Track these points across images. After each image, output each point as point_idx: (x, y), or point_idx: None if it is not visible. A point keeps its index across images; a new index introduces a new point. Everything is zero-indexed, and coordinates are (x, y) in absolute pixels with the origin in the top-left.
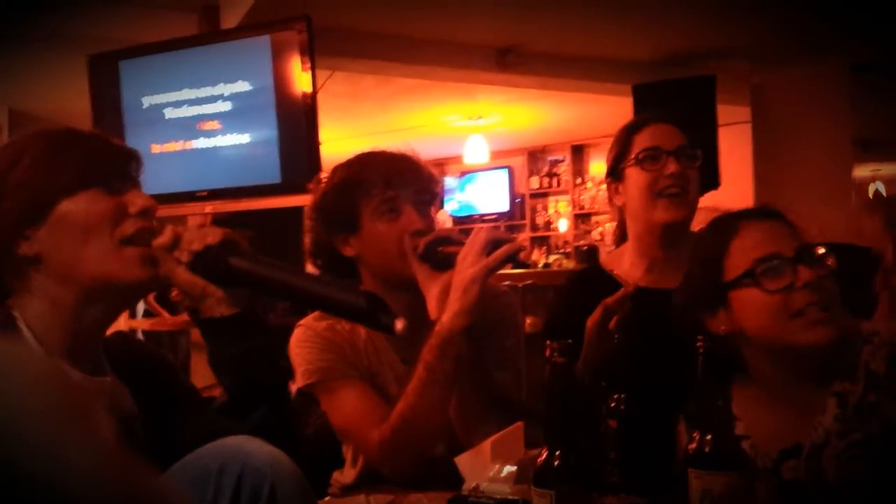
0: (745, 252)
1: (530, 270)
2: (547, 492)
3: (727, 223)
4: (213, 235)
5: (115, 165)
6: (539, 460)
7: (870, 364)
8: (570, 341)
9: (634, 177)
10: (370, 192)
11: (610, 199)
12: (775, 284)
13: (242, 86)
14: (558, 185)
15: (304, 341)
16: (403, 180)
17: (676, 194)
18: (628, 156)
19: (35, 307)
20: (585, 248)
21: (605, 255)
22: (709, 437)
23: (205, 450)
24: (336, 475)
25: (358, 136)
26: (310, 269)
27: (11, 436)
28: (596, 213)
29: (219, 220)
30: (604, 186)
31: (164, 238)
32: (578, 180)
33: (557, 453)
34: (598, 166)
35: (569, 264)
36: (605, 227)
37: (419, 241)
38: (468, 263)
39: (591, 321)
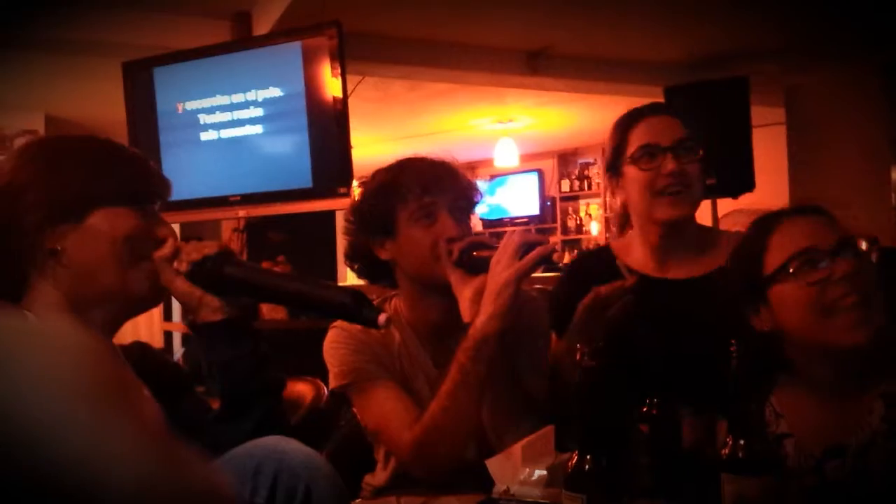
0: (783, 247)
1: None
2: (578, 496)
3: (768, 220)
4: (210, 247)
5: (151, 189)
6: (570, 464)
7: None
8: (601, 345)
9: (632, 175)
10: (407, 197)
11: (611, 193)
12: (811, 277)
13: (274, 91)
14: (589, 187)
15: (337, 342)
16: (441, 187)
17: (677, 192)
18: (625, 153)
19: (48, 294)
20: None
21: (613, 242)
22: (742, 441)
23: (242, 448)
24: (367, 478)
25: (388, 139)
26: (347, 271)
27: (54, 412)
28: None
29: (252, 223)
30: None
31: (164, 250)
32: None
33: (589, 457)
34: None
35: None
36: None
37: (453, 246)
38: (502, 267)
39: (582, 305)
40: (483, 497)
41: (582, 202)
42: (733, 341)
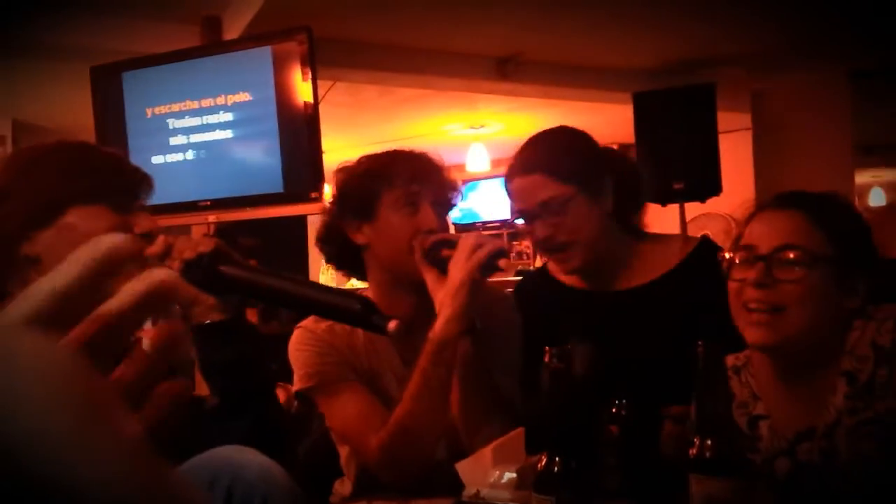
0: (745, 235)
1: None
2: (548, 498)
3: (761, 202)
4: (205, 244)
5: (127, 186)
6: (539, 466)
7: (876, 340)
8: (568, 346)
9: (519, 226)
10: (394, 182)
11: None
12: (738, 274)
13: (244, 96)
14: None
15: (302, 343)
16: (428, 179)
17: (559, 256)
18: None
19: None
20: None
21: (549, 263)
22: (709, 441)
23: (196, 460)
24: (337, 485)
25: (360, 145)
26: (319, 276)
27: (34, 435)
28: None
29: (222, 229)
30: None
31: (156, 247)
32: None
33: (558, 459)
34: None
35: None
36: None
37: (426, 240)
38: (457, 268)
39: None
40: (454, 500)
41: None
42: (700, 341)
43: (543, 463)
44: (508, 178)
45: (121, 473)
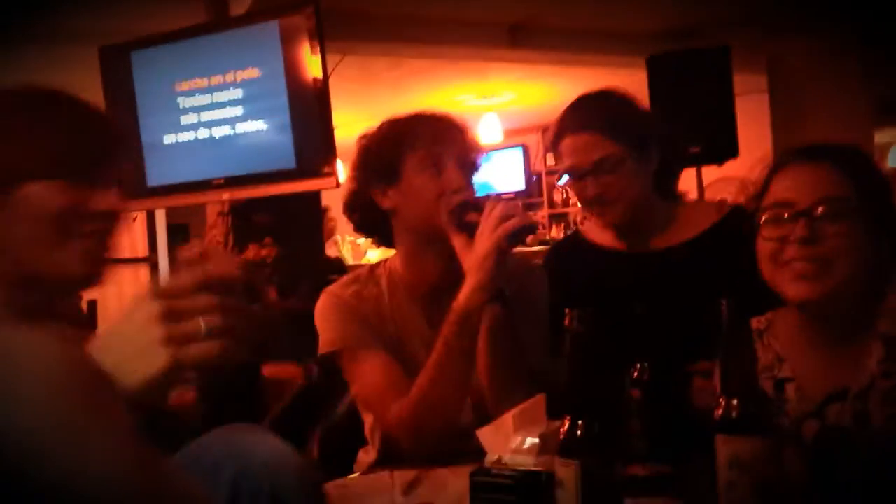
0: (773, 193)
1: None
2: (571, 462)
3: (782, 157)
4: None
5: (90, 152)
6: (562, 431)
7: None
8: (590, 309)
9: (568, 182)
10: (416, 144)
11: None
12: (772, 233)
13: (253, 72)
14: None
15: (328, 308)
16: (451, 139)
17: (604, 209)
18: (560, 161)
19: None
20: None
21: (580, 226)
22: (734, 401)
23: (201, 442)
24: (361, 454)
25: (371, 119)
26: (335, 250)
27: (33, 429)
28: None
29: (236, 206)
30: None
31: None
32: None
33: (580, 423)
34: None
35: None
36: None
37: (453, 199)
38: (484, 237)
39: None
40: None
41: None
42: (724, 299)
43: (566, 427)
44: (559, 136)
45: (119, 469)
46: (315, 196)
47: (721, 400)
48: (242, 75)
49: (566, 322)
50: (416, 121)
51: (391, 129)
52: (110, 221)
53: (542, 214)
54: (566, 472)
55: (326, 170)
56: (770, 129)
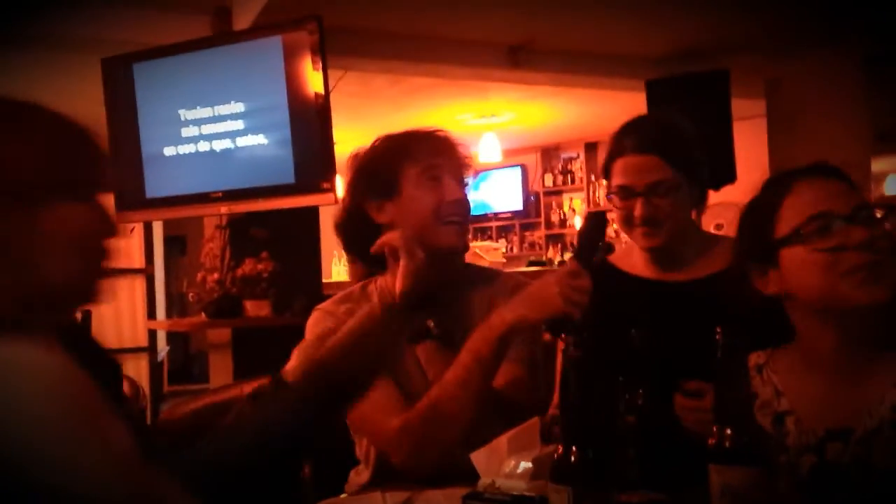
0: (798, 209)
1: (545, 268)
2: (564, 488)
3: (781, 181)
4: None
5: (93, 169)
6: (556, 455)
7: None
8: (585, 335)
9: (616, 206)
10: (415, 157)
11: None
12: (826, 243)
13: (255, 87)
14: (572, 182)
15: (318, 326)
16: (448, 152)
17: (649, 230)
18: (610, 179)
19: None
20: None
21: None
22: (728, 431)
23: None
24: (352, 475)
25: (371, 136)
26: (332, 268)
27: (25, 442)
28: (611, 210)
29: (234, 220)
30: None
31: None
32: (592, 177)
33: (574, 449)
34: None
35: None
36: None
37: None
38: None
39: None
40: (467, 490)
41: (565, 196)
42: (718, 328)
43: (560, 452)
44: (615, 155)
45: (107, 479)
46: (313, 212)
47: (714, 428)
48: (244, 89)
49: (562, 346)
50: (413, 135)
51: (388, 143)
52: (109, 234)
53: (538, 235)
54: (558, 497)
55: (325, 185)
56: (767, 155)
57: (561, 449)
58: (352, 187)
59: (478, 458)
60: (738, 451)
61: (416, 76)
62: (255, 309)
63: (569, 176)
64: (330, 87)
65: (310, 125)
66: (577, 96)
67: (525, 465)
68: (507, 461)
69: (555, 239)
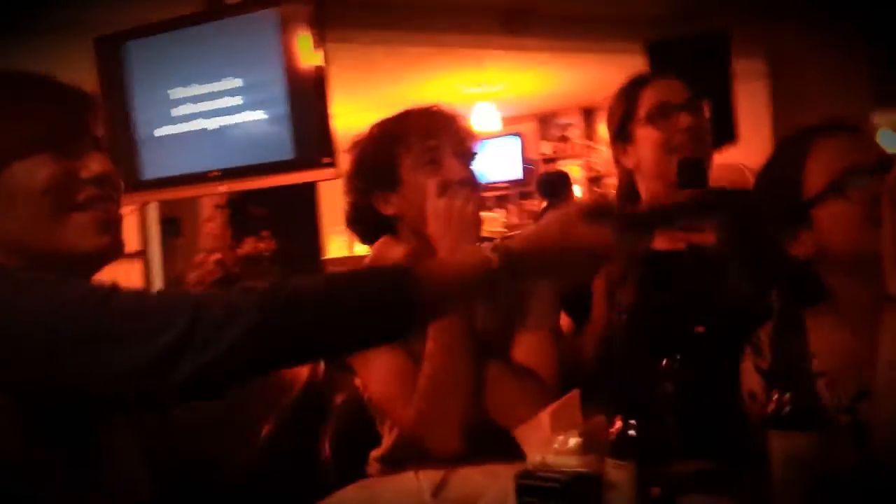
0: (826, 166)
1: None
2: (626, 463)
3: (801, 140)
4: None
5: (69, 123)
6: (613, 431)
7: None
8: (640, 305)
9: (646, 135)
10: (410, 142)
11: (617, 162)
12: (860, 195)
13: (251, 62)
14: (570, 149)
15: None
16: (444, 130)
17: (694, 145)
18: (636, 114)
19: None
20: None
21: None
22: (787, 395)
23: None
24: (374, 454)
25: (370, 108)
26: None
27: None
28: (609, 176)
29: (233, 199)
30: None
31: None
32: (590, 143)
33: (634, 423)
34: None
35: None
36: None
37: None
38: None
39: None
40: (507, 465)
41: (563, 164)
42: (774, 291)
43: (618, 427)
44: (644, 82)
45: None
46: (311, 187)
47: (775, 394)
48: (240, 64)
49: (616, 316)
50: (404, 118)
51: (381, 131)
52: (105, 188)
53: (537, 204)
54: (620, 474)
55: (325, 160)
56: (769, 116)
57: (619, 423)
58: (354, 181)
59: (522, 434)
60: (801, 417)
61: (412, 46)
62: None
63: (567, 143)
64: (327, 60)
65: (307, 99)
66: (574, 62)
67: (574, 440)
68: (555, 437)
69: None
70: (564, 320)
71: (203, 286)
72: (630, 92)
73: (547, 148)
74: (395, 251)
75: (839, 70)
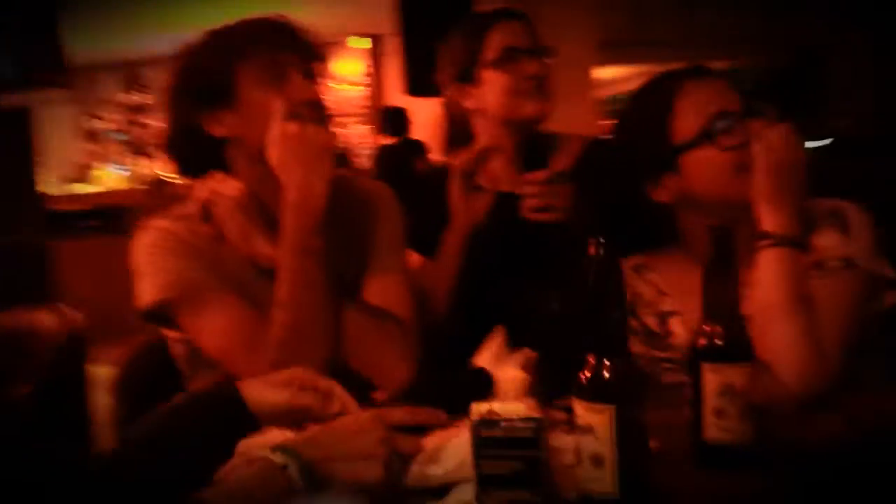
0: (696, 111)
1: None
2: (606, 406)
3: (667, 82)
4: None
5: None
6: (585, 373)
7: None
8: (606, 236)
9: (493, 79)
10: (249, 53)
11: (453, 103)
12: (729, 141)
13: None
14: None
15: (157, 246)
16: (289, 42)
17: (539, 96)
18: (481, 57)
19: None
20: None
21: (451, 160)
22: (720, 328)
23: None
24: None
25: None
26: (166, 163)
27: None
28: (341, 115)
29: None
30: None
31: None
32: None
33: (608, 363)
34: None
35: None
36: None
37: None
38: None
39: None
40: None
41: None
42: (716, 225)
43: (590, 367)
44: (487, 23)
45: None
46: (23, 115)
47: (707, 328)
48: None
49: (590, 251)
50: (245, 26)
51: (215, 39)
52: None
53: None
54: (599, 418)
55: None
56: None
57: (592, 363)
58: (176, 97)
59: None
60: (734, 348)
61: None
62: None
63: None
64: None
65: None
66: None
67: (521, 383)
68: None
69: None
70: (413, 256)
71: None
72: (474, 34)
73: None
74: (229, 189)
75: (565, 15)
